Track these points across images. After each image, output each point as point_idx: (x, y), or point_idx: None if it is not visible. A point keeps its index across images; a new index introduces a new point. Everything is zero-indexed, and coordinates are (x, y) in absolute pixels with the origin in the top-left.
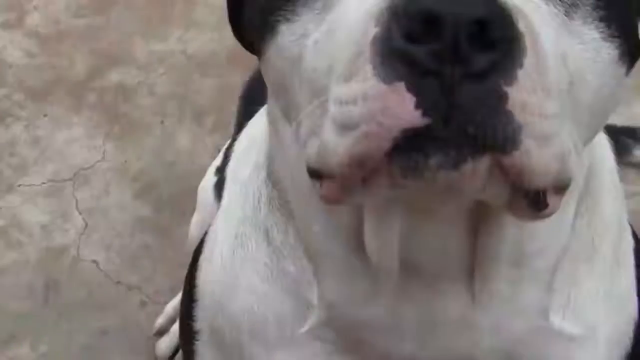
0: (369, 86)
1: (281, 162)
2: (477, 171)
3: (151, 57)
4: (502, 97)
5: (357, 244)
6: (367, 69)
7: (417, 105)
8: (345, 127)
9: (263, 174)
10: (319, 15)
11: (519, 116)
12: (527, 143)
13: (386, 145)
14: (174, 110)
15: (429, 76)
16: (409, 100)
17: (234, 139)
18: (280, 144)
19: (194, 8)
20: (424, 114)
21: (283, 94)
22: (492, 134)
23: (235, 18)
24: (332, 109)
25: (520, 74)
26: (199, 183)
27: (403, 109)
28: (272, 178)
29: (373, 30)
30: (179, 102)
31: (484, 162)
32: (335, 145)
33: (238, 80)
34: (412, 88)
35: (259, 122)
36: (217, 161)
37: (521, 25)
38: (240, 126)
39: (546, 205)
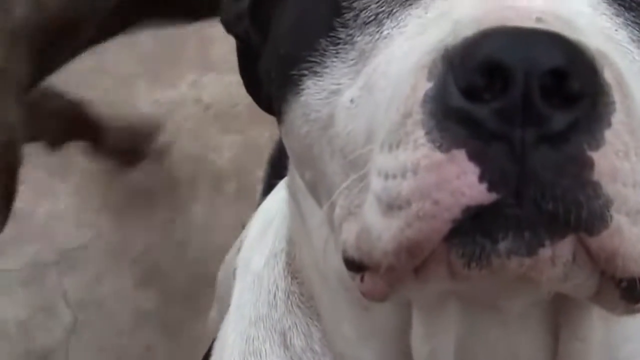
0: (421, 155)
1: (305, 248)
2: (557, 257)
3: (157, 107)
4: (587, 165)
5: (401, 350)
6: (418, 134)
7: (482, 178)
8: (392, 206)
9: (281, 264)
10: (354, 67)
11: (608, 187)
12: (619, 220)
13: (444, 227)
14: (186, 174)
15: (495, 141)
16: (472, 171)
17: None
18: (304, 226)
19: (210, 46)
20: (491, 189)
21: (309, 166)
22: (575, 211)
23: (248, 72)
24: (375, 184)
25: (609, 135)
26: (217, 268)
27: (465, 183)
28: (292, 268)
29: (425, 86)
30: (192, 163)
31: (565, 246)
32: (380, 230)
33: (266, 136)
34: (474, 156)
35: (277, 198)
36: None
37: (607, 75)
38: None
39: None
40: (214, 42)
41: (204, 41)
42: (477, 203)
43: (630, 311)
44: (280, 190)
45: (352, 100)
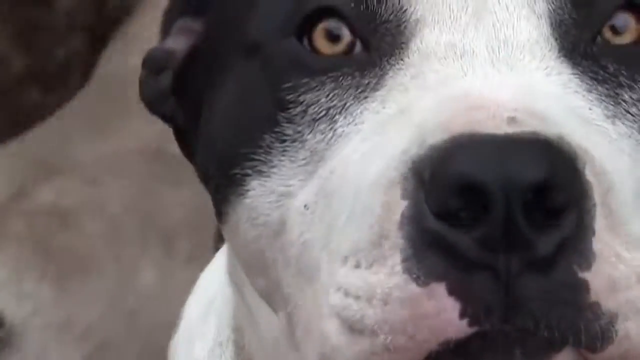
0: (395, 285)
1: (254, 338)
2: None
3: (100, 161)
4: (582, 288)
5: None
6: (395, 261)
7: (464, 314)
8: (353, 329)
9: (228, 353)
10: (305, 167)
11: (609, 303)
12: (626, 327)
13: (419, 357)
14: (133, 236)
15: (477, 270)
16: (452, 307)
17: None
18: (251, 316)
19: None
20: (473, 323)
21: (261, 273)
22: (574, 337)
23: (187, 151)
24: (334, 298)
25: (597, 246)
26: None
27: (444, 319)
28: (242, 358)
29: (401, 205)
30: (140, 224)
31: (565, 357)
32: (345, 351)
33: None
34: (455, 290)
35: (217, 273)
36: None
37: (588, 173)
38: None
39: None
40: None
41: None
42: (457, 337)
43: None
44: (220, 266)
45: (306, 206)
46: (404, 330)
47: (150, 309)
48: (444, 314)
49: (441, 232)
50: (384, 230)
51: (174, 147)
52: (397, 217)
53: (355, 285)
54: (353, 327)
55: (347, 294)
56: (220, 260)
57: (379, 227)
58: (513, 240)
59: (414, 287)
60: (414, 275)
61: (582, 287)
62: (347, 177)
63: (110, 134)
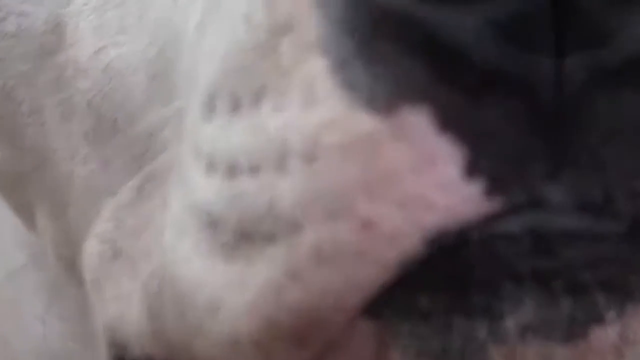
0: (324, 119)
1: None
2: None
3: None
4: None
5: None
6: (315, 69)
7: (471, 167)
8: (244, 235)
9: None
10: None
11: None
12: None
13: (380, 278)
14: None
15: (492, 86)
16: (448, 154)
17: None
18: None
19: None
20: (492, 189)
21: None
22: None
23: None
24: (199, 189)
25: None
26: None
27: (432, 181)
28: None
29: None
30: None
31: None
32: (216, 285)
33: None
34: (453, 120)
35: None
36: None
37: None
38: None
39: None
40: None
41: None
42: (459, 223)
43: None
44: None
45: None
46: (351, 209)
47: None
48: (431, 169)
49: (421, 13)
50: (283, 11)
51: None
52: None
53: (237, 146)
54: (242, 234)
55: (230, 170)
56: None
57: (270, 6)
58: (567, 21)
59: (363, 118)
60: (360, 93)
61: None
62: None
63: None
